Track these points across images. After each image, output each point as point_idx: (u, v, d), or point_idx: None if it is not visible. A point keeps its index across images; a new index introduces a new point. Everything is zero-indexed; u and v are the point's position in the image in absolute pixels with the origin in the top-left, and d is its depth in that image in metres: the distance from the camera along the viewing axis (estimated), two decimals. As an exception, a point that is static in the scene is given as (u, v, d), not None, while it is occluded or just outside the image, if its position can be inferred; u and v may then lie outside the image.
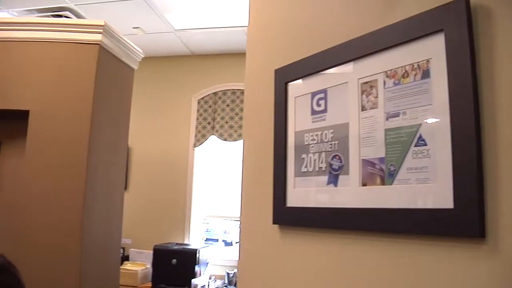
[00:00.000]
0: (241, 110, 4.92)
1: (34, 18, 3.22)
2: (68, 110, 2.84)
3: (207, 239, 5.30)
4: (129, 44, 3.20)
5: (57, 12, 4.28)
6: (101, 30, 2.87)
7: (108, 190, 3.06)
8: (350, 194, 1.19)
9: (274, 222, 1.40)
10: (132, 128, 3.36)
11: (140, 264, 4.87)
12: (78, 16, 4.39)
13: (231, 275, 4.68)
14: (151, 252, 4.76)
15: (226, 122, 4.95)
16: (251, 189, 1.56)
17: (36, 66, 2.92)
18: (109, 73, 3.03)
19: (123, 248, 3.91)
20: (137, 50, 3.32)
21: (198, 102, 5.16)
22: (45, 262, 2.58)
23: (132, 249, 5.04)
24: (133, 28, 4.63)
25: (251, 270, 1.54)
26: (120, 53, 3.14)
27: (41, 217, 2.77)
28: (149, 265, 4.86)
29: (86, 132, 2.78)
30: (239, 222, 1.68)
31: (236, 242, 5.29)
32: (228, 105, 4.98)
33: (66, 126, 2.82)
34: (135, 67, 3.37)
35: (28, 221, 2.79)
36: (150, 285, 4.63)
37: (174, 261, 4.50)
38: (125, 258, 4.90)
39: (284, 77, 1.45)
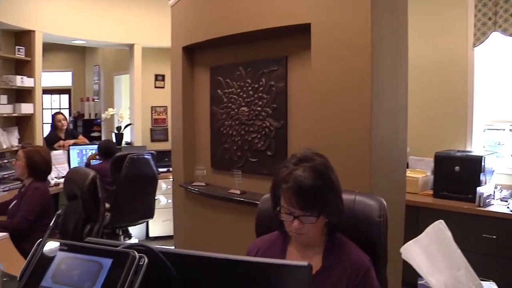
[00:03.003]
0: (530, -3, 4.28)
1: None
2: (346, 20, 2.88)
3: (490, 147, 4.94)
4: None
5: None
6: None
7: (392, 96, 3.07)
8: None
9: None
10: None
11: (420, 172, 4.85)
12: None
13: (522, 184, 4.31)
14: (431, 159, 4.68)
15: (511, 15, 4.37)
16: None
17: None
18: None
19: (403, 156, 3.96)
20: None
21: (476, -4, 4.67)
22: (341, 166, 2.75)
23: (411, 157, 5.02)
24: None
25: None
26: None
27: (331, 123, 2.95)
28: (429, 173, 4.80)
29: (367, 41, 2.79)
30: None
31: (512, 155, 4.81)
32: (512, -5, 4.38)
33: (346, 36, 2.89)
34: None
35: (319, 125, 3.01)
36: (431, 193, 4.59)
37: (457, 168, 4.34)
38: (405, 166, 4.95)
39: None
